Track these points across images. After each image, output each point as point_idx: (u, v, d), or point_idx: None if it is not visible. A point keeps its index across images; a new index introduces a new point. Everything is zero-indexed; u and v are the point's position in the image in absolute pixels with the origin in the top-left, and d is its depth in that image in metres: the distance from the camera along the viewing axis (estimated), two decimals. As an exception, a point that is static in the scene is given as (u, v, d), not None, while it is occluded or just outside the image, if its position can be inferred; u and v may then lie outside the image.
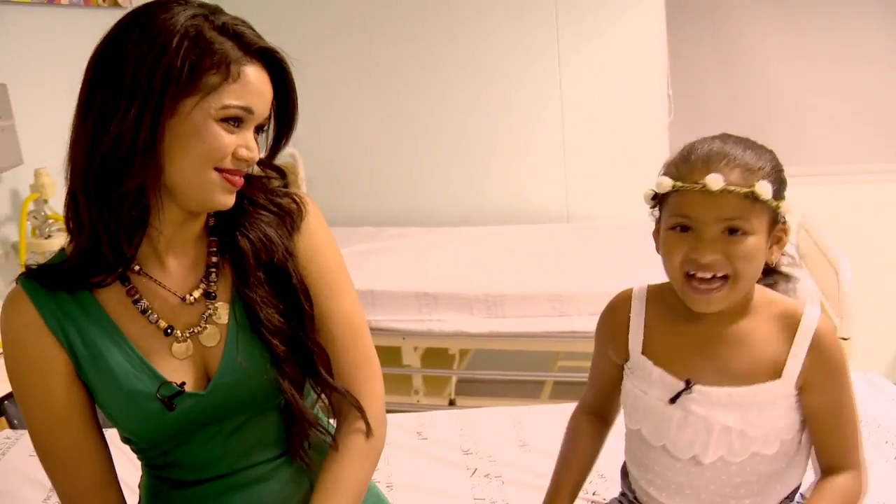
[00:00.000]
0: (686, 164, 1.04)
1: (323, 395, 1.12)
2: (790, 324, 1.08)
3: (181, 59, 0.92)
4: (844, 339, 2.37)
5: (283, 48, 1.03)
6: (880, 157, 3.32)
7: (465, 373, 2.87)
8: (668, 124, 3.28)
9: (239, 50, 0.97)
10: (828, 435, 1.10)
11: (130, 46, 0.93)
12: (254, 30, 1.00)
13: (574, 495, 1.20)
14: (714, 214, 1.00)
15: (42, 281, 1.02)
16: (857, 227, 3.20)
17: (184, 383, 1.03)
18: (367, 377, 1.13)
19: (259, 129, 1.04)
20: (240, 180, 1.02)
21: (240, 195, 1.06)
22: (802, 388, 1.07)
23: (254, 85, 0.98)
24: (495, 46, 3.37)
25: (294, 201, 1.12)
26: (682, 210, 1.02)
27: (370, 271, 2.87)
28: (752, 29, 3.25)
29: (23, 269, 1.05)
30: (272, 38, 1.02)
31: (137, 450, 1.11)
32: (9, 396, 2.14)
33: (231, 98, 0.96)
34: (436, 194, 3.62)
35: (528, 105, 3.40)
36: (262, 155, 1.09)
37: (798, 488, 1.16)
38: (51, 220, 2.41)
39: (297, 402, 1.06)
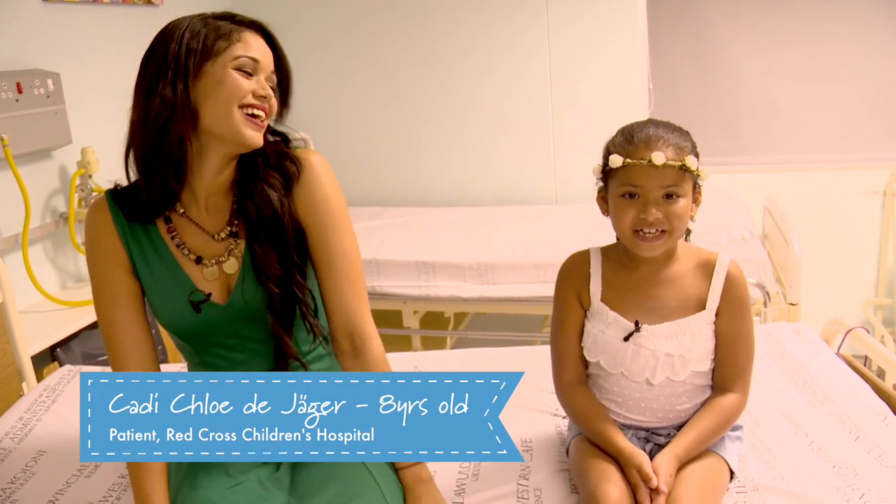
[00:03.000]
0: (631, 145, 1.33)
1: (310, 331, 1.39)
2: (708, 267, 1.40)
3: (195, 38, 1.28)
4: (793, 304, 2.68)
5: (296, 42, 1.38)
6: (840, 147, 3.59)
7: (459, 333, 3.17)
8: (648, 115, 3.57)
9: (234, 24, 1.31)
10: (725, 356, 1.39)
11: (162, 43, 1.30)
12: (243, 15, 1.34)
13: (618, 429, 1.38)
14: (657, 183, 1.30)
15: (122, 205, 1.36)
16: (817, 210, 3.49)
17: (210, 294, 1.36)
18: (365, 308, 1.41)
19: (272, 87, 1.33)
20: (260, 121, 1.30)
21: (257, 154, 1.35)
22: (717, 315, 1.39)
23: (253, 43, 1.30)
24: (491, 43, 3.63)
25: (294, 163, 1.38)
26: (630, 181, 1.31)
27: (376, 244, 3.16)
28: (726, 28, 3.52)
29: (106, 189, 1.40)
30: (286, 33, 1.35)
31: (179, 347, 1.45)
32: (59, 345, 2.47)
33: (239, 51, 1.28)
34: (436, 178, 3.88)
35: (520, 97, 3.66)
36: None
37: None
38: (95, 193, 2.69)
39: (283, 337, 1.35)
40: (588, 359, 1.44)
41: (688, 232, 1.47)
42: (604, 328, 1.40)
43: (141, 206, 1.36)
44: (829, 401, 1.68)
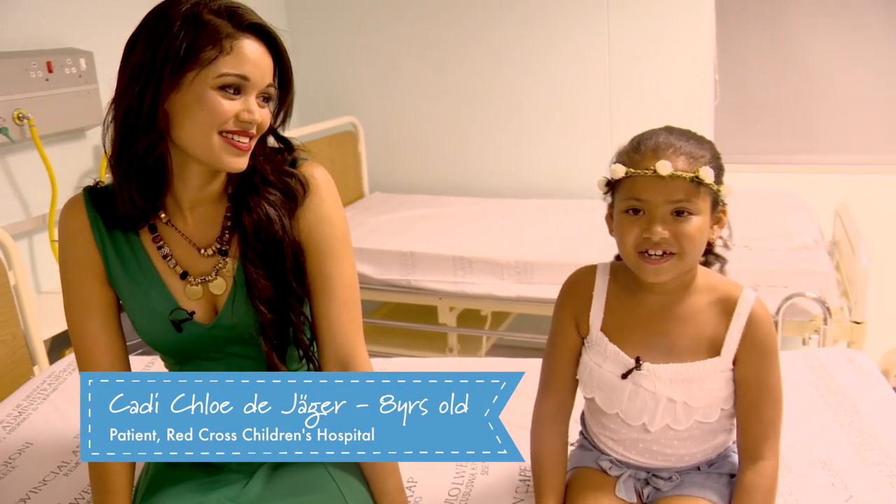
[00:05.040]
0: (637, 153, 1.15)
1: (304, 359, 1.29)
2: (729, 306, 1.20)
3: (179, 40, 1.09)
4: (857, 322, 2.43)
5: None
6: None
7: (496, 333, 3.03)
8: (713, 108, 3.33)
9: (232, 27, 1.12)
10: (748, 411, 1.20)
11: (142, 36, 1.13)
12: (248, 10, 1.15)
13: (560, 493, 1.28)
14: (664, 197, 1.12)
15: (101, 207, 1.23)
16: (894, 217, 3.19)
17: (193, 312, 1.24)
18: (360, 337, 1.29)
19: (267, 100, 1.19)
20: (245, 144, 1.15)
21: (254, 169, 1.22)
22: (735, 361, 1.20)
23: (248, 56, 1.12)
24: (548, 28, 3.45)
25: (300, 182, 1.25)
26: (634, 194, 1.14)
27: (414, 235, 3.06)
28: (802, 19, 3.23)
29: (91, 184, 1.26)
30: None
31: (162, 358, 1.35)
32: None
33: (226, 67, 1.10)
34: (487, 167, 3.74)
35: (577, 85, 3.47)
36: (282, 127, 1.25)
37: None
38: (128, 174, 2.69)
39: (274, 362, 1.24)
40: (583, 395, 1.29)
41: (723, 262, 1.29)
42: (601, 361, 1.24)
43: (119, 213, 1.23)
44: (878, 448, 1.47)
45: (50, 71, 2.40)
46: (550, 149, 3.62)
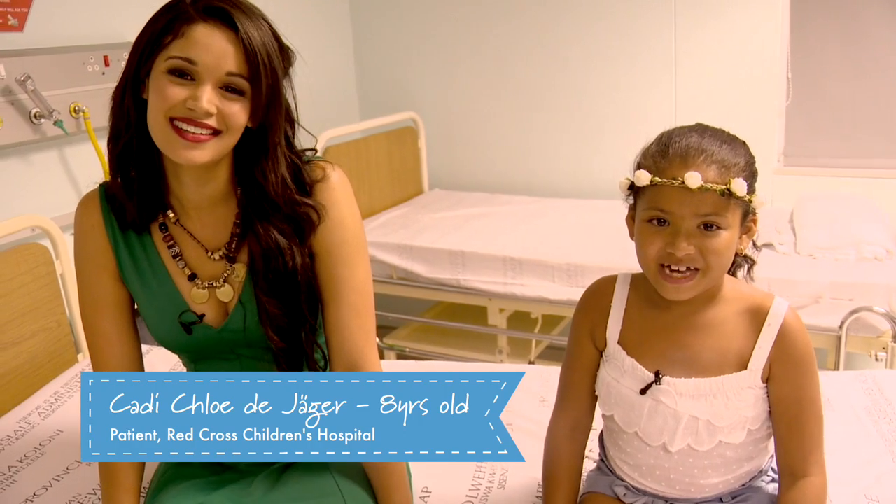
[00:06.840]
0: (664, 159, 1.05)
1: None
2: (758, 317, 1.11)
3: (153, 29, 1.09)
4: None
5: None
6: None
7: (544, 336, 2.95)
8: (784, 107, 3.16)
9: (193, 10, 1.08)
10: (790, 431, 1.10)
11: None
12: None
13: None
14: (691, 210, 1.02)
15: (115, 205, 1.22)
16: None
17: (203, 315, 1.23)
18: (370, 344, 1.25)
19: (235, 91, 1.10)
20: (192, 135, 1.09)
21: (263, 198, 1.17)
22: (769, 380, 1.11)
23: (197, 39, 1.07)
24: (612, 24, 3.34)
25: (315, 210, 1.20)
26: (659, 204, 1.04)
27: (467, 234, 3.01)
28: (879, 12, 3.00)
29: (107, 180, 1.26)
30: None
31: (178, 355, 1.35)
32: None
33: (174, 51, 1.07)
34: (548, 166, 3.66)
35: (641, 83, 3.35)
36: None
37: (768, 463, 1.20)
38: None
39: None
40: (602, 412, 1.21)
41: (751, 264, 1.19)
42: (618, 376, 1.16)
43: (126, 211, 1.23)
44: (933, 482, 1.35)
45: (107, 65, 2.44)
46: (612, 148, 3.50)
